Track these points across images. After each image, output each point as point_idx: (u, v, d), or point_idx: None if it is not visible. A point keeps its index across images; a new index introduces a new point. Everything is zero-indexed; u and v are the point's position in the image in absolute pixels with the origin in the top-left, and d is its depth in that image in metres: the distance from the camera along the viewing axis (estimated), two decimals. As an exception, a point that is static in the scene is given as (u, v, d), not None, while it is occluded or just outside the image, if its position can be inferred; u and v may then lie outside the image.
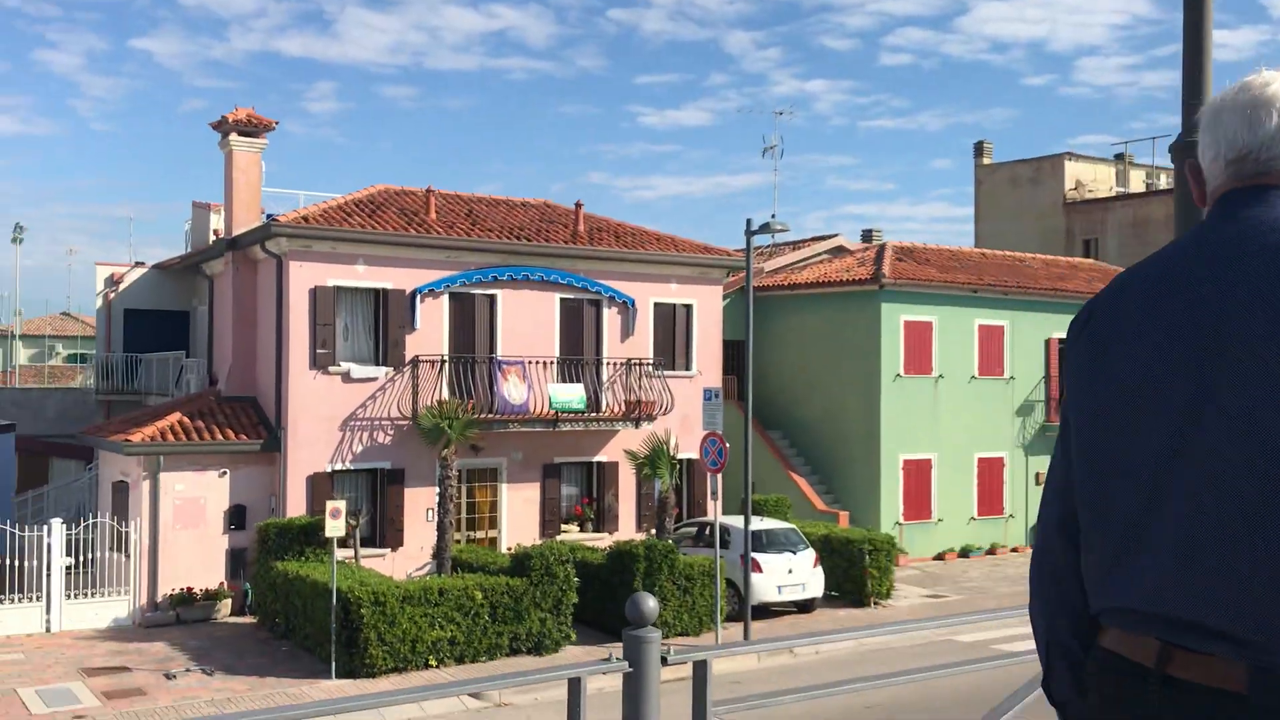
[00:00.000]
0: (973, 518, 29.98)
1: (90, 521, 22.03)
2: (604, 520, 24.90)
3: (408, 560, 22.69)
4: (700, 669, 3.52)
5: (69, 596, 20.76)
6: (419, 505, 22.91)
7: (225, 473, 22.01)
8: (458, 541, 22.69)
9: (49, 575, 20.47)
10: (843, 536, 23.53)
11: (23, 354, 51.36)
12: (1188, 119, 5.97)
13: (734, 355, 30.07)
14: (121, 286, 29.37)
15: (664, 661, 3.43)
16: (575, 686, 3.37)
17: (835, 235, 34.28)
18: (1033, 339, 31.00)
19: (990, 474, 30.29)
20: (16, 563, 20.71)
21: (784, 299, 30.89)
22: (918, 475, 28.90)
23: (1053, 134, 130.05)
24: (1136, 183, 47.53)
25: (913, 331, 28.88)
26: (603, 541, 23.75)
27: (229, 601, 21.70)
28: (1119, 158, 47.71)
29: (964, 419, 29.72)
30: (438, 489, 20.85)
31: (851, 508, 28.46)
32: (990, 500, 30.31)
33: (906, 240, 32.56)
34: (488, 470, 23.82)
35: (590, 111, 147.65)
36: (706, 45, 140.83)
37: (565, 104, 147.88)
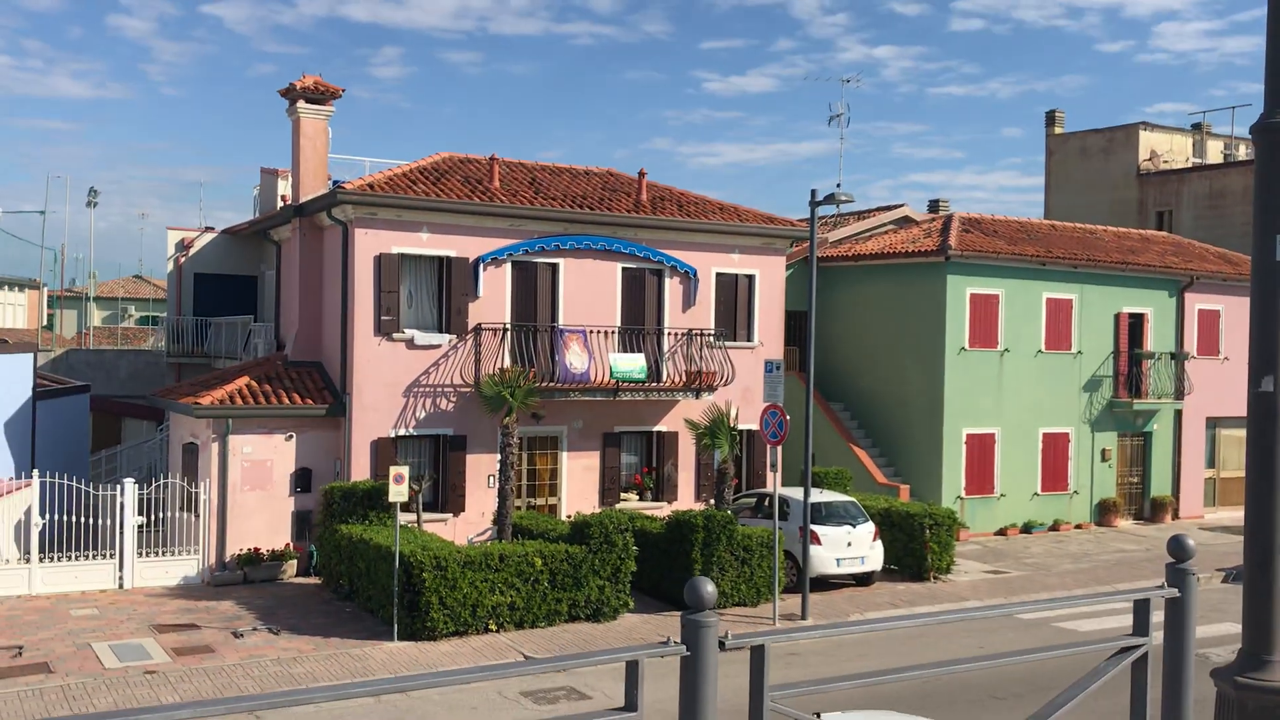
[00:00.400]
0: (1036, 493, 29.66)
1: (161, 481, 22.53)
2: (663, 489, 25.01)
3: (469, 525, 22.94)
4: (758, 655, 3.53)
5: (141, 554, 21.28)
6: (480, 471, 23.14)
7: (292, 436, 22.39)
8: (518, 508, 22.97)
9: (122, 533, 20.99)
10: (903, 510, 23.44)
11: (97, 316, 52.58)
12: (1272, 89, 5.74)
13: (796, 326, 29.92)
14: (192, 251, 29.85)
15: (721, 646, 3.45)
16: (633, 670, 3.41)
17: (901, 205, 33.87)
18: (1102, 313, 30.48)
19: (1055, 449, 29.93)
20: (91, 521, 21.27)
21: (848, 270, 30.63)
22: (981, 449, 28.65)
23: (1128, 102, 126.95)
24: (1214, 153, 46.33)
25: (979, 304, 28.55)
26: (661, 511, 23.98)
27: (294, 562, 22.10)
28: (1196, 127, 46.51)
29: (1029, 393, 29.39)
30: (499, 456, 21.01)
31: (913, 481, 28.33)
32: (1054, 476, 29.95)
33: (974, 211, 32.08)
34: (548, 438, 23.99)
35: (655, 77, 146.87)
36: (773, 10, 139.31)
37: (630, 70, 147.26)
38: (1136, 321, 31.12)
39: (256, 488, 22.11)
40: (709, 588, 3.47)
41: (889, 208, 34.25)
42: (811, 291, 19.99)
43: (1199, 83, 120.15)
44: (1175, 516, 32.07)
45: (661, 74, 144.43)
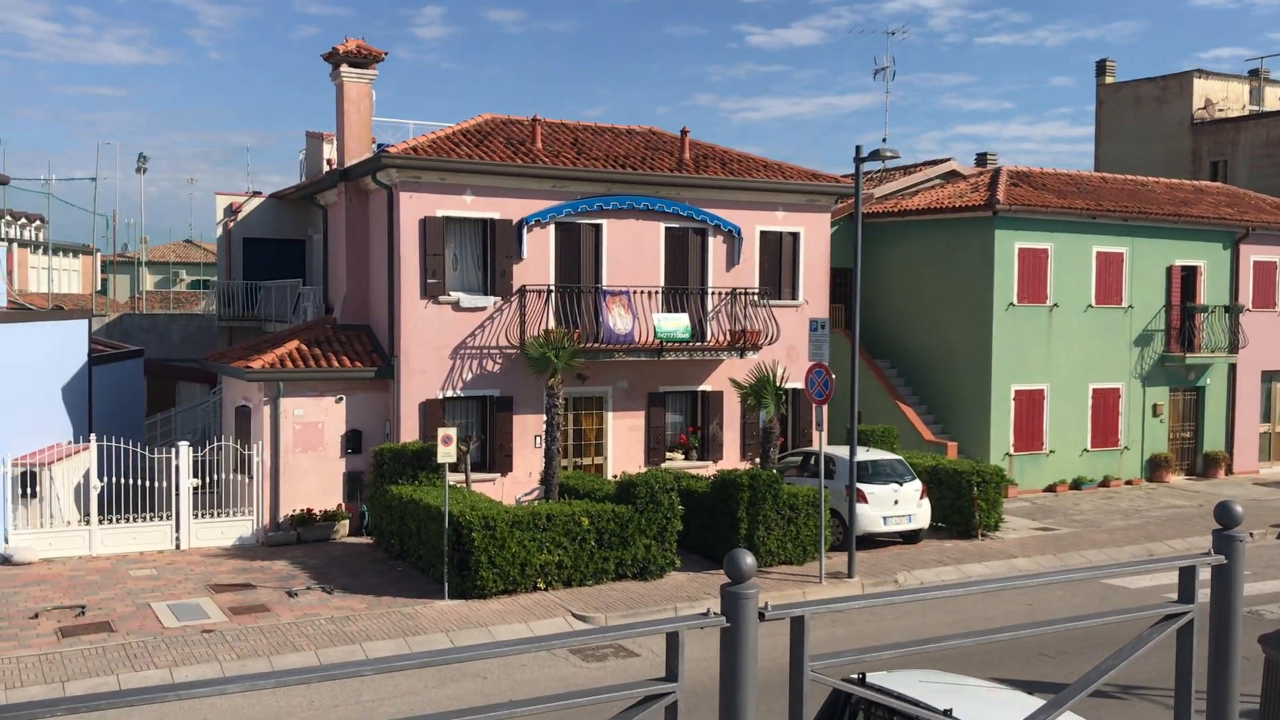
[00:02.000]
0: (1085, 449, 29.46)
1: (215, 444, 22.92)
2: (708, 449, 25.11)
3: (516, 485, 23.18)
4: (797, 626, 3.55)
5: (196, 516, 21.68)
6: (527, 432, 23.32)
7: (341, 399, 22.65)
8: (564, 468, 23.11)
9: (178, 495, 21.37)
10: (951, 468, 23.39)
11: (149, 280, 53.35)
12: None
13: (842, 284, 29.77)
14: (240, 215, 30.15)
15: (761, 617, 3.48)
16: (673, 641, 3.44)
17: (948, 160, 33.48)
18: (1154, 267, 30.01)
19: (1105, 405, 29.66)
20: (148, 483, 21.70)
21: (894, 226, 30.40)
22: (1029, 406, 28.47)
23: (1181, 48, 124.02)
24: (1272, 100, 45.19)
25: (1027, 259, 28.27)
26: (707, 470, 24.13)
27: (346, 523, 22.43)
28: (1253, 74, 45.36)
29: (1079, 349, 29.12)
30: (545, 416, 21.17)
31: (960, 438, 28.24)
32: (1104, 432, 29.70)
33: (1022, 164, 31.69)
34: (593, 398, 24.14)
35: (697, 32, 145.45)
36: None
37: (671, 25, 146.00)
38: (1189, 274, 30.63)
39: (308, 449, 22.40)
40: (748, 560, 3.49)
41: (935, 162, 33.90)
42: (857, 248, 19.83)
43: (1256, 26, 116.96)
44: (1229, 472, 31.69)
45: (704, 28, 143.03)
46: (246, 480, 22.23)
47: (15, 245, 46.23)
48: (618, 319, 23.19)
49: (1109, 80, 45.84)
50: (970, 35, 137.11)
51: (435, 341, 22.57)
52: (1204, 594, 4.43)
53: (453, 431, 18.26)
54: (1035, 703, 7.73)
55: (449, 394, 22.75)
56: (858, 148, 19.50)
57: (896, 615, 17.11)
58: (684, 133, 25.94)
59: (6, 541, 20.29)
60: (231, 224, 30.17)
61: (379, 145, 24.48)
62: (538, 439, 23.21)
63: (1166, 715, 12.25)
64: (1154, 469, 30.32)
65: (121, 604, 17.45)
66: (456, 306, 22.72)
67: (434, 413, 22.51)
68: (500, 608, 17.41)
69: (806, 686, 3.54)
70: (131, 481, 21.57)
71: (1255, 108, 44.14)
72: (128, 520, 21.24)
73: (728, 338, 24.71)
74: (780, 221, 25.78)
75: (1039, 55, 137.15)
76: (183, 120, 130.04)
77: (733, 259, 25.18)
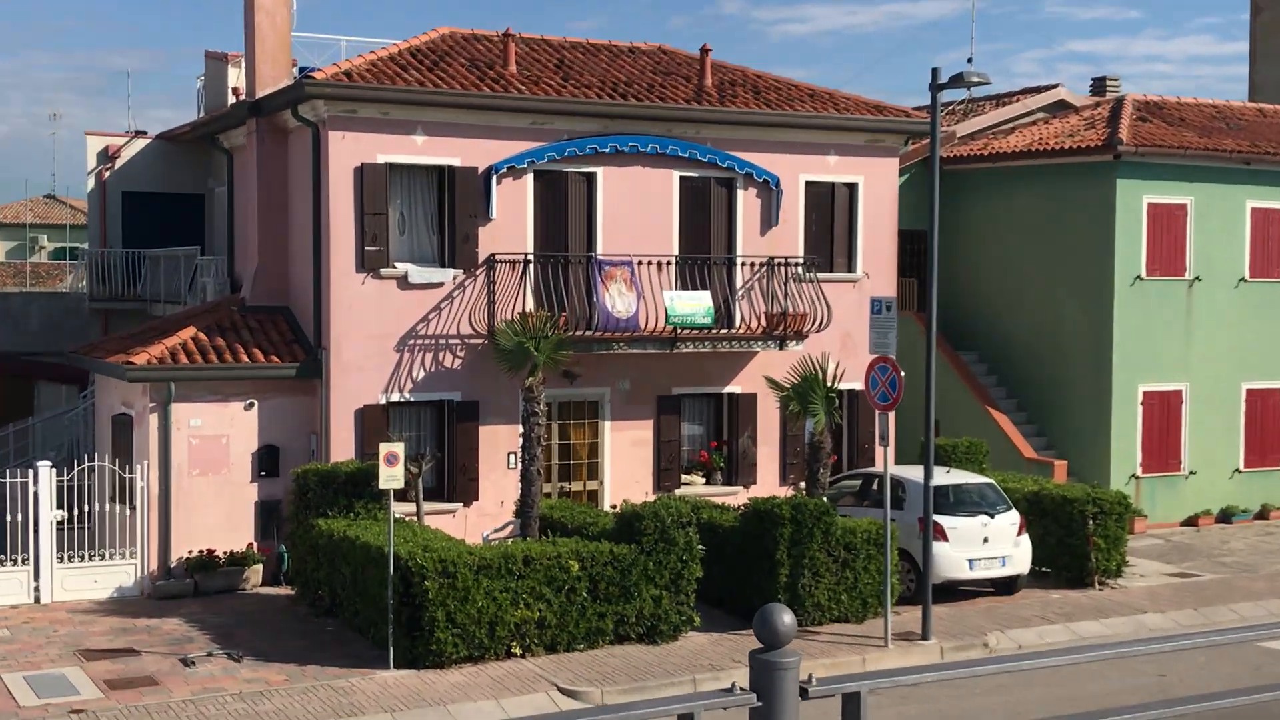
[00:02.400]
0: (1237, 470, 29.47)
1: (86, 465, 22.73)
2: (737, 470, 25.02)
3: (484, 519, 23.05)
4: (852, 705, 3.54)
5: (62, 559, 21.53)
6: (498, 448, 23.27)
7: (253, 404, 22.58)
8: (547, 495, 22.99)
9: (37, 533, 21.20)
10: (1058, 494, 23.31)
11: (-1, 249, 53.42)
12: None
13: (913, 252, 29.69)
14: (119, 163, 30.18)
15: (804, 694, 3.46)
16: (688, 725, 3.43)
17: (1055, 86, 33.48)
18: (1330, 227, 30.00)
19: (1265, 411, 29.67)
20: (-3, 516, 21.67)
21: (983, 175, 30.27)
22: (1162, 412, 28.44)
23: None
24: None
25: (1160, 217, 28.22)
26: (736, 498, 23.94)
27: (260, 568, 22.32)
28: None
29: (1229, 336, 29.14)
30: (521, 428, 21.07)
31: (1071, 455, 28.18)
32: (1263, 447, 29.72)
33: (1154, 92, 31.54)
34: (586, 404, 24.04)
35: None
36: None
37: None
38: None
39: (208, 471, 22.34)
40: (786, 618, 3.47)
41: (1039, 89, 33.89)
42: (934, 205, 19.74)
43: None
44: None
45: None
46: (128, 512, 22.17)
47: None
48: (617, 299, 23.11)
49: (1269, -19, 45.63)
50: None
51: (376, 328, 22.51)
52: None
53: (400, 448, 18.12)
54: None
55: (395, 398, 22.69)
56: (935, 71, 19.38)
57: (987, 690, 17.07)
58: (705, 51, 25.89)
59: None
60: (107, 174, 30.16)
61: (301, 69, 24.51)
62: (512, 457, 23.14)
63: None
64: (1330, 496, 30.22)
65: (-37, 676, 17.40)
66: (404, 282, 22.65)
67: (375, 423, 22.44)
68: (463, 680, 17.35)
69: (866, 786, 3.52)
70: (-26, 514, 21.55)
71: None
72: (-31, 566, 21.19)
73: (763, 323, 24.60)
74: (832, 169, 25.63)
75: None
76: (42, 35, 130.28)
77: (769, 218, 25.07)
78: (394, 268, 22.62)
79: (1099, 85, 37.61)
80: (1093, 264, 28.13)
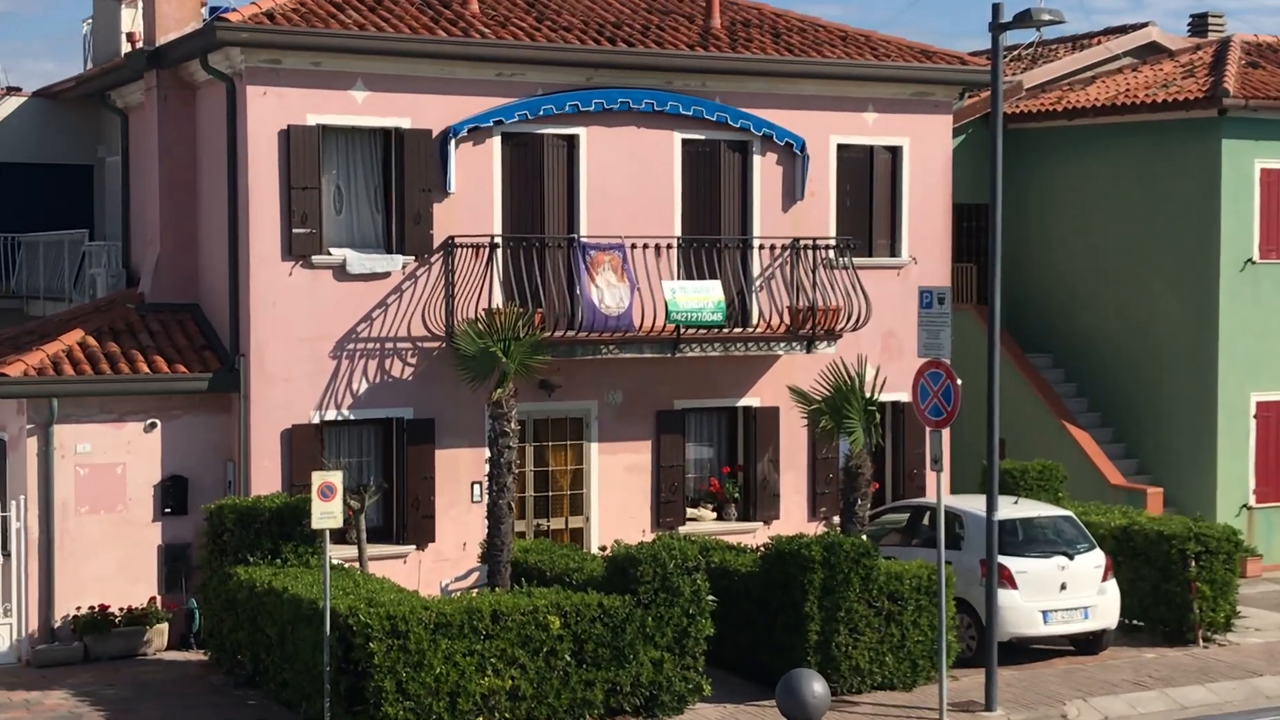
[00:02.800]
0: (1374, 499, 29.38)
1: (-52, 501, 22.63)
2: (756, 502, 24.94)
3: (442, 565, 23.03)
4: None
5: (-82, 618, 21.46)
6: (459, 477, 23.19)
7: (155, 425, 22.42)
8: (521, 535, 22.83)
9: (-112, 585, 21.15)
10: (1153, 529, 23.26)
11: None
12: None
13: (971, 231, 29.65)
14: (-15, 127, 30.00)
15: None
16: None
17: (1145, 25, 33.40)
18: None
19: None
20: None
21: (1056, 135, 30.22)
22: (1281, 428, 28.59)
23: None
24: None
25: (1276, 186, 28.35)
26: (754, 536, 23.85)
27: (165, 628, 22.14)
28: None
29: (1363, 333, 29.02)
30: (488, 452, 20.92)
31: (1168, 481, 28.16)
32: (1407, 469, 29.61)
33: (1265, 30, 31.53)
34: (568, 421, 23.99)
35: None
36: None
37: None
38: None
39: (100, 509, 22.14)
40: (815, 687, 3.59)
41: (1124, 29, 33.84)
42: (995, 172, 19.73)
43: None
44: None
45: None
46: (0, 560, 22.03)
47: None
48: (606, 291, 23.06)
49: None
50: None
51: (307, 330, 22.39)
52: None
53: (337, 478, 18.04)
54: None
55: (331, 415, 22.60)
56: (996, 7, 19.37)
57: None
58: (712, -17, 25.77)
59: None
60: (-30, 140, 30.01)
61: (212, 10, 24.31)
62: (477, 488, 23.06)
63: None
64: None
65: None
66: (342, 273, 22.55)
67: (306, 447, 22.32)
68: (418, 764, 17.33)
69: None
70: None
71: None
72: None
73: (786, 320, 24.55)
74: (871, 129, 25.59)
75: None
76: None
77: (793, 191, 25.04)
78: (329, 255, 22.45)
79: (1199, 23, 37.41)
80: (1193, 244, 28.16)
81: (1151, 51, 32.89)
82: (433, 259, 23.04)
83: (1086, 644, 22.23)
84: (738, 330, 24.20)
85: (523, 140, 23.58)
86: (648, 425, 24.39)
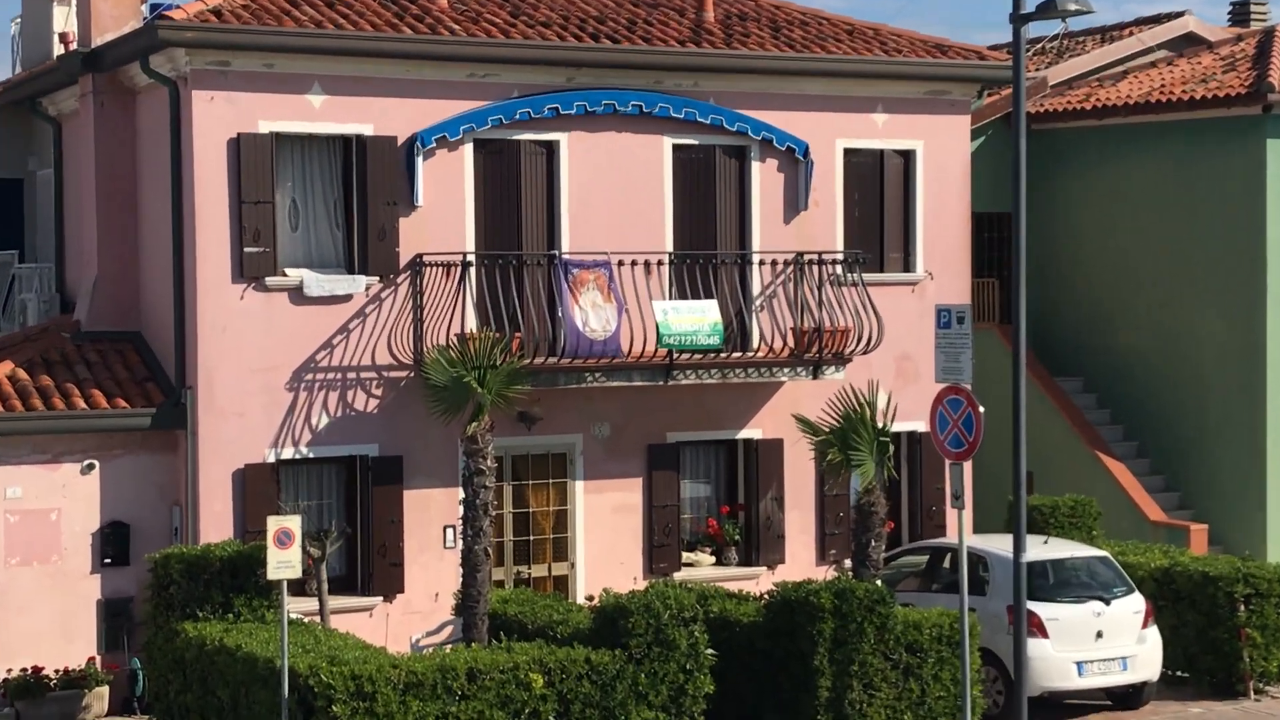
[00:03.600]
0: None
1: None
2: (759, 545, 25.01)
3: (412, 618, 23.07)
4: None
5: None
6: (430, 520, 23.17)
7: (93, 466, 22.32)
8: (499, 584, 22.97)
9: None
10: (1197, 571, 23.25)
11: None
12: None
13: (993, 243, 29.79)
14: (-98, 137, 30.28)
15: None
16: None
17: (1181, 15, 33.62)
18: None
19: None
20: None
21: (1085, 136, 30.43)
22: (1337, 459, 28.59)
23: None
24: None
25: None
26: (758, 582, 24.04)
27: (105, 691, 21.95)
28: None
29: None
30: (463, 492, 21.04)
31: (1214, 517, 28.11)
32: None
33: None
34: (550, 457, 24.06)
35: None
36: None
37: None
38: None
39: (33, 559, 22.04)
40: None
41: (1158, 19, 34.12)
42: (1019, 178, 19.50)
43: None
44: None
45: None
46: (-78, 617, 21.90)
47: None
48: (591, 313, 22.93)
49: None
50: None
51: (261, 359, 22.29)
52: None
53: (295, 523, 18.13)
54: None
55: (288, 454, 22.54)
56: (1017, -2, 19.42)
57: None
58: (706, -26, 26.07)
59: None
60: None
61: (153, 7, 24.21)
62: (450, 532, 22.98)
63: None
64: None
65: None
66: (299, 295, 22.46)
67: (261, 488, 22.25)
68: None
69: None
70: None
71: None
72: None
73: (789, 343, 24.69)
74: (880, 131, 25.70)
75: None
76: None
77: (796, 200, 25.13)
78: (284, 275, 22.37)
79: (1240, 12, 37.67)
80: (1237, 255, 28.13)
81: (1188, 43, 33.03)
82: (399, 279, 23.03)
83: (1125, 698, 22.30)
84: (736, 355, 24.14)
85: (497, 147, 23.63)
86: (638, 461, 24.40)
